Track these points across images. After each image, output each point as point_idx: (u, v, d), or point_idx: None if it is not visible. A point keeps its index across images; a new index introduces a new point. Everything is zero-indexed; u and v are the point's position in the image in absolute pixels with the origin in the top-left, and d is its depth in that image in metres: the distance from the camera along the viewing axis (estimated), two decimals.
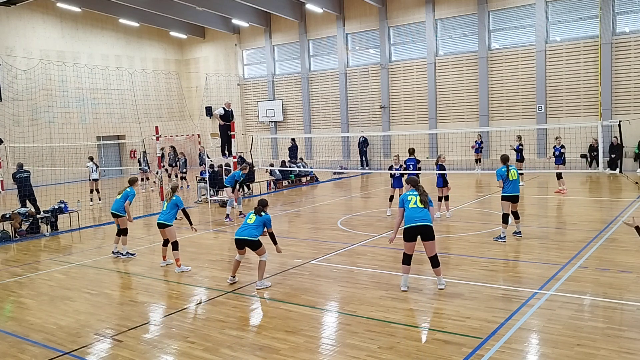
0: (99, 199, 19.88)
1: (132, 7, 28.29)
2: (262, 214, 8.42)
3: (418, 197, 7.87)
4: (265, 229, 8.46)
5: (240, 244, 8.40)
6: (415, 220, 7.74)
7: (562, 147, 16.84)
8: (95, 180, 19.98)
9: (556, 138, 17.57)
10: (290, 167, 23.66)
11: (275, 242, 8.59)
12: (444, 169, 13.66)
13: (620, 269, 8.49)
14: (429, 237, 7.73)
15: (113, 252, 11.24)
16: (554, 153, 17.07)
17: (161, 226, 9.91)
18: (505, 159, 11.00)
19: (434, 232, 7.79)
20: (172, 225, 9.90)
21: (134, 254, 11.19)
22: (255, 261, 9.73)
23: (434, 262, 7.84)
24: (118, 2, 26.77)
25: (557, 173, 16.82)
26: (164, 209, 9.97)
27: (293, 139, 28.14)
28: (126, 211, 10.84)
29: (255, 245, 8.31)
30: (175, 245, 9.81)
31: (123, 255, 11.04)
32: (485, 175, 22.19)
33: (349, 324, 6.80)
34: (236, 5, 28.57)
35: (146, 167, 24.64)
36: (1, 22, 27.06)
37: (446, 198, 13.68)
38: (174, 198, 9.96)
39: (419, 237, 7.79)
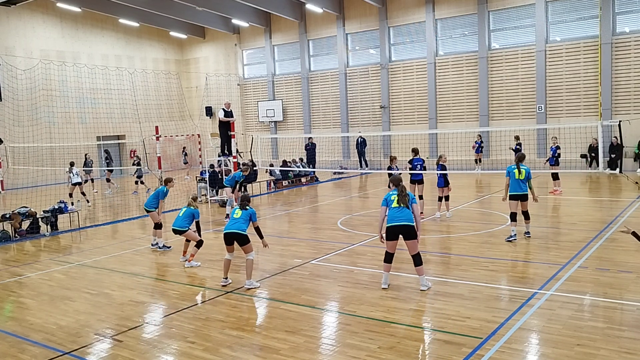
0: (87, 201, 19.26)
1: (132, 7, 28.29)
2: (247, 207, 8.60)
3: (397, 198, 7.92)
4: (251, 223, 8.60)
5: (230, 239, 8.45)
6: (396, 220, 7.80)
7: (557, 147, 16.84)
8: (78, 184, 19.28)
9: (552, 138, 17.59)
10: (305, 166, 24.01)
11: (261, 237, 8.74)
12: (445, 169, 13.62)
13: (620, 269, 8.49)
14: (410, 237, 7.79)
15: (152, 245, 11.84)
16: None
17: (177, 232, 10.23)
18: (519, 158, 10.89)
19: (415, 231, 7.81)
20: (187, 229, 10.19)
21: (170, 247, 11.58)
22: (255, 260, 9.80)
23: (416, 260, 7.86)
24: (118, 2, 26.77)
25: (552, 173, 16.82)
26: (180, 214, 10.23)
27: (309, 138, 27.93)
28: (159, 207, 11.60)
29: (244, 240, 8.37)
30: (200, 244, 10.22)
31: (160, 248, 11.57)
32: (486, 175, 22.21)
33: (349, 324, 6.80)
34: (236, 5, 28.58)
35: (91, 169, 23.79)
36: (1, 22, 27.06)
37: (447, 198, 13.66)
38: (192, 208, 10.30)
39: (401, 236, 7.84)
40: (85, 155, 24.96)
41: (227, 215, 14.99)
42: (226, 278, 8.76)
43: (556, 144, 16.92)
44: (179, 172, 30.87)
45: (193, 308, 7.84)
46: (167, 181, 11.81)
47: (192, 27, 33.69)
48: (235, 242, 8.44)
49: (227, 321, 7.11)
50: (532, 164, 22.04)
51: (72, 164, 19.92)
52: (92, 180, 23.96)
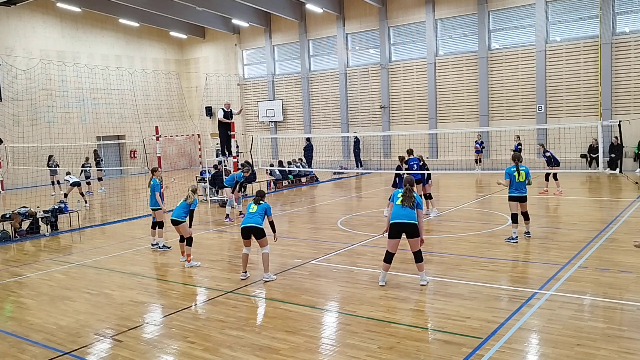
0: (85, 202, 18.97)
1: (132, 7, 28.28)
2: (262, 202, 8.83)
3: (402, 197, 8.06)
4: (266, 217, 8.83)
5: (247, 233, 8.68)
6: (400, 217, 7.94)
7: (546, 151, 16.80)
8: (77, 184, 18.69)
9: (539, 145, 17.66)
10: (302, 166, 23.99)
11: (274, 231, 8.97)
12: (426, 167, 13.94)
13: (620, 269, 8.49)
14: (413, 235, 7.93)
15: (152, 245, 11.79)
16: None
17: (174, 222, 10.24)
18: (515, 158, 10.79)
19: (418, 230, 7.94)
20: (184, 221, 10.20)
21: (170, 247, 11.55)
22: (254, 260, 9.80)
23: (417, 257, 8.04)
24: (118, 2, 26.76)
25: (552, 174, 16.81)
26: (179, 205, 10.31)
27: (308, 139, 27.92)
28: (158, 202, 11.50)
29: (261, 234, 8.63)
30: (189, 241, 10.18)
31: (160, 248, 11.56)
32: (486, 175, 22.20)
33: (349, 324, 6.80)
34: (236, 5, 28.57)
35: (55, 170, 23.04)
36: (1, 22, 27.05)
37: (429, 196, 13.87)
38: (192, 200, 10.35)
39: (403, 235, 7.97)
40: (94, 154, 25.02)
41: (227, 215, 15.00)
42: (245, 272, 8.96)
43: (544, 148, 16.88)
44: (180, 172, 30.88)
45: (193, 308, 7.85)
46: (154, 171, 11.79)
47: (192, 27, 33.68)
48: (252, 236, 8.66)
49: (227, 321, 7.10)
50: (532, 164, 22.11)
51: (67, 173, 19.64)
52: (100, 179, 24.26)
